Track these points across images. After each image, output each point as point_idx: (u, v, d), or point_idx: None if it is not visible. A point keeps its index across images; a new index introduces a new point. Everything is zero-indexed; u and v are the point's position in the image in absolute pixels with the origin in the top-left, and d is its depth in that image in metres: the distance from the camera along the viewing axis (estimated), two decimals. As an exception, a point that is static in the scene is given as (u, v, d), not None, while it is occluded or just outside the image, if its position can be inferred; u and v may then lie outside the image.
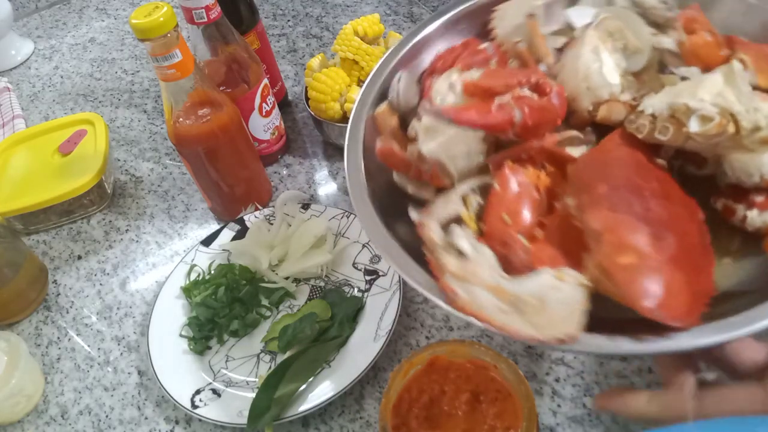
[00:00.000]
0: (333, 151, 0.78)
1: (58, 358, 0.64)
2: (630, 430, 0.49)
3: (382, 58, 0.52)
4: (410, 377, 0.46)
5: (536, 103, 0.37)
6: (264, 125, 0.74)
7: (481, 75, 0.40)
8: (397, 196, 0.44)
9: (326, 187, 0.75)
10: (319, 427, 0.54)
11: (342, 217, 0.67)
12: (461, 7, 0.52)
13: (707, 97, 0.34)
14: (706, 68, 0.40)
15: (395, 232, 0.40)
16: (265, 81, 0.72)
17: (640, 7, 0.44)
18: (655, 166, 0.37)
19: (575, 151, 0.40)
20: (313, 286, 0.64)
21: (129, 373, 0.61)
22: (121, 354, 0.63)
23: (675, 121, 0.35)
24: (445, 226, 0.38)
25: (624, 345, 0.32)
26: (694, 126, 0.34)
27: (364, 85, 0.50)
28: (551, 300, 0.32)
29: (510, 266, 0.35)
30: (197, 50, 0.66)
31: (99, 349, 0.64)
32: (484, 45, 0.46)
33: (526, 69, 0.42)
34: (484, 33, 0.49)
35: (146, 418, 0.57)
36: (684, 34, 0.41)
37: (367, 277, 0.62)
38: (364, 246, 0.64)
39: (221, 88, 0.67)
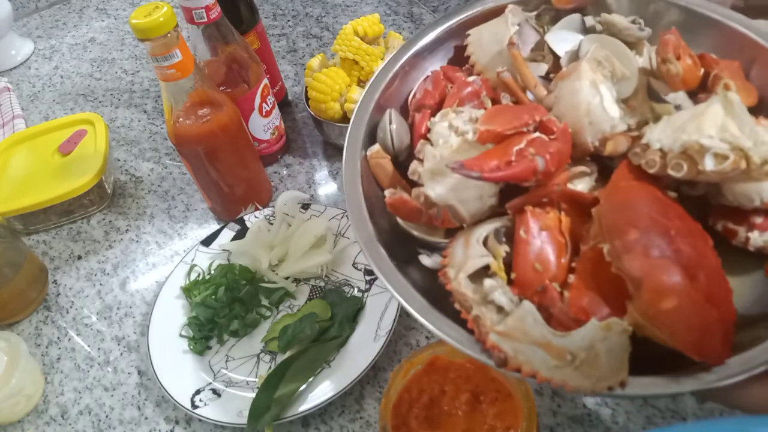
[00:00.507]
0: (333, 151, 0.78)
1: (58, 358, 0.64)
2: (630, 430, 0.49)
3: (382, 65, 0.50)
4: (410, 377, 0.46)
5: (555, 147, 0.37)
6: (264, 125, 0.74)
7: (484, 117, 0.39)
8: (402, 239, 0.43)
9: (326, 187, 0.75)
10: (319, 427, 0.54)
11: (342, 217, 0.67)
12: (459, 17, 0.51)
13: (713, 132, 0.35)
14: (689, 90, 0.42)
15: (411, 280, 0.39)
16: (265, 81, 0.72)
17: (614, 29, 0.44)
18: (671, 200, 0.38)
19: (580, 184, 0.40)
20: (313, 286, 0.64)
21: (129, 373, 0.61)
22: (121, 354, 0.63)
23: (688, 158, 0.36)
24: (473, 278, 0.37)
25: (666, 385, 0.33)
26: (709, 164, 0.35)
27: (354, 122, 0.49)
28: (601, 350, 0.33)
29: (547, 315, 0.35)
30: (197, 50, 0.66)
31: (99, 349, 0.64)
32: (472, 78, 0.46)
33: (527, 107, 0.41)
34: (461, 58, 0.49)
35: (146, 418, 0.57)
36: (657, 56, 0.42)
37: (367, 277, 0.62)
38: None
39: (221, 88, 0.67)
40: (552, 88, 0.42)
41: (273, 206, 0.70)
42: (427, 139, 0.42)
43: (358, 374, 0.53)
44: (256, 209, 0.71)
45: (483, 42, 0.47)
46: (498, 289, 0.36)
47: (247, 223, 0.69)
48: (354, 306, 0.59)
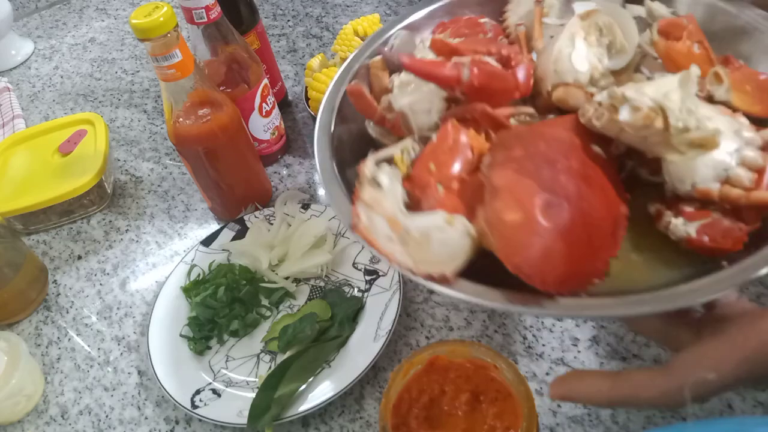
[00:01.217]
0: (333, 151, 0.78)
1: (58, 358, 0.64)
2: (630, 430, 0.49)
3: (364, 43, 0.52)
4: (410, 377, 0.46)
5: (488, 68, 0.38)
6: (264, 125, 0.74)
7: (462, 41, 0.42)
8: (364, 146, 0.45)
9: (326, 187, 0.74)
10: (319, 427, 0.54)
11: (342, 217, 0.67)
12: None
13: (650, 92, 0.34)
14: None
15: (345, 174, 0.43)
16: (265, 81, 0.72)
17: (651, 16, 0.45)
18: (589, 152, 0.37)
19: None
20: (313, 286, 0.64)
21: (129, 373, 0.61)
22: (121, 354, 0.63)
23: (611, 108, 0.35)
24: (379, 165, 0.40)
25: (496, 299, 0.34)
26: (624, 114, 0.34)
27: (345, 64, 0.50)
28: (434, 239, 0.34)
29: (421, 209, 0.37)
30: (197, 50, 0.66)
31: (99, 349, 0.64)
32: (484, 20, 0.47)
33: (504, 45, 0.43)
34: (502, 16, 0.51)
35: (146, 418, 0.57)
36: (657, 35, 0.41)
37: (367, 277, 0.62)
38: (364, 246, 0.64)
39: (221, 88, 0.67)
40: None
41: (273, 206, 0.70)
42: None
43: (358, 374, 0.53)
44: (256, 209, 0.71)
45: (521, 2, 0.50)
46: (385, 172, 0.39)
47: (247, 223, 0.69)
48: (354, 306, 0.59)
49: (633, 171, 0.38)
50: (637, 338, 0.54)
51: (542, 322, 0.56)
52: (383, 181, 0.38)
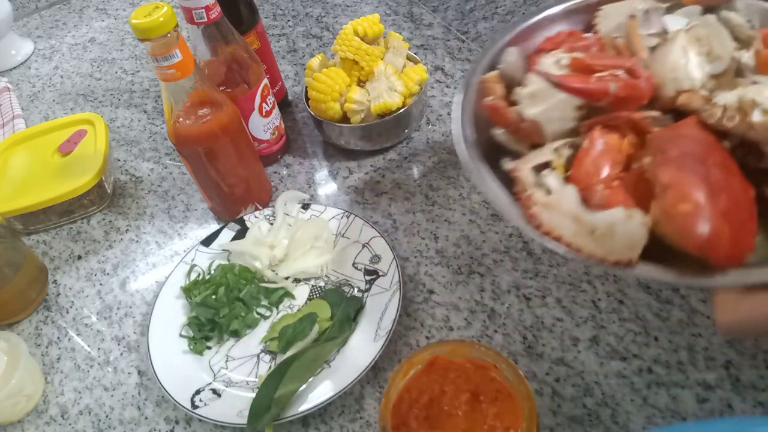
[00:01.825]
0: (333, 151, 0.78)
1: (58, 358, 0.64)
2: (630, 429, 0.49)
3: (475, 59, 0.57)
4: (410, 377, 0.46)
5: (628, 81, 0.46)
6: (264, 125, 0.74)
7: (586, 56, 0.48)
8: (492, 152, 0.50)
9: (326, 187, 0.75)
10: (319, 427, 0.54)
11: (342, 217, 0.67)
12: (573, 2, 0.58)
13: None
14: None
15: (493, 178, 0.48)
16: (265, 81, 0.72)
17: (728, 25, 0.49)
18: (720, 146, 0.44)
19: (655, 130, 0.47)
20: (313, 286, 0.64)
21: (129, 373, 0.61)
22: (121, 354, 0.63)
23: (741, 111, 0.42)
24: (536, 170, 0.45)
25: (670, 276, 0.40)
26: (756, 116, 0.41)
27: (478, 57, 0.57)
28: (618, 231, 0.40)
29: (588, 207, 0.43)
30: (197, 50, 0.66)
31: (99, 349, 0.64)
32: (587, 35, 0.54)
33: (623, 57, 0.49)
34: (588, 29, 0.56)
35: (146, 418, 0.57)
36: (761, 45, 0.47)
37: (367, 277, 0.62)
38: (364, 246, 0.64)
39: (221, 88, 0.67)
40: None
41: (273, 206, 0.70)
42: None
43: (358, 374, 0.53)
44: (256, 209, 0.71)
45: (610, 15, 0.55)
46: (551, 175, 0.44)
47: (247, 223, 0.69)
48: (354, 306, 0.59)
49: (743, 160, 0.44)
50: (637, 338, 0.54)
51: (542, 322, 0.57)
52: (552, 184, 0.44)
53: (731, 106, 0.42)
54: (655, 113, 0.47)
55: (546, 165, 0.46)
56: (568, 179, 0.45)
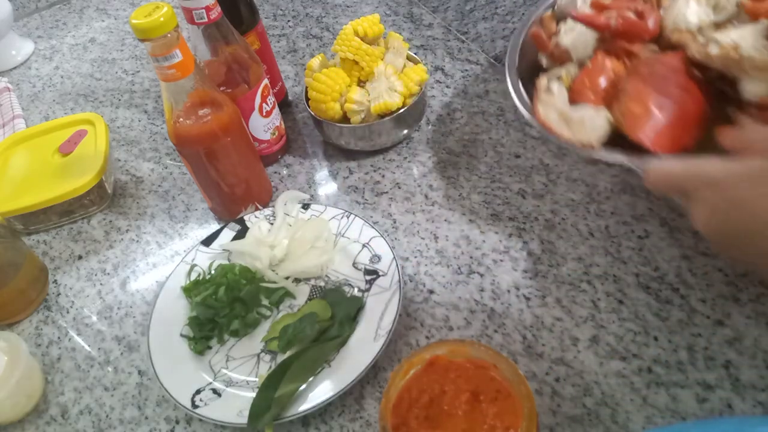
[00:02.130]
0: (333, 151, 0.78)
1: (59, 358, 0.64)
2: (630, 429, 0.49)
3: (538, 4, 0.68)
4: (410, 377, 0.46)
5: (629, 19, 0.58)
6: (264, 125, 0.74)
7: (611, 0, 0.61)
8: (535, 72, 0.64)
9: (326, 187, 0.75)
10: (319, 427, 0.54)
11: (342, 217, 0.67)
12: None
13: (734, 36, 0.53)
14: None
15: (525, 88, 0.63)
16: (265, 81, 0.72)
17: None
18: (690, 74, 0.55)
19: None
20: (313, 286, 0.64)
21: (129, 373, 0.61)
22: (122, 354, 0.63)
23: (706, 45, 0.54)
24: (551, 80, 0.61)
25: (621, 158, 0.53)
26: (713, 50, 0.53)
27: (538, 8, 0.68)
28: (587, 123, 0.55)
29: (573, 106, 0.57)
30: (197, 50, 0.66)
31: (99, 349, 0.64)
32: None
33: (640, 2, 0.60)
34: None
35: (146, 418, 0.57)
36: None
37: (367, 277, 0.62)
38: (364, 246, 0.64)
39: (221, 89, 0.67)
40: None
41: (273, 206, 0.70)
42: None
43: (358, 374, 0.53)
44: (256, 209, 0.71)
45: None
46: (555, 82, 0.60)
47: (247, 223, 0.69)
48: (354, 306, 0.59)
49: (721, 88, 0.54)
50: (637, 338, 0.54)
51: (542, 322, 0.57)
52: (554, 88, 0.59)
53: (701, 41, 0.55)
54: (653, 47, 0.59)
55: (558, 78, 0.61)
56: (569, 88, 0.60)
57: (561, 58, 0.64)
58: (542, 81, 0.61)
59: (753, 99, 0.52)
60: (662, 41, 0.59)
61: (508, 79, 0.65)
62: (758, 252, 0.44)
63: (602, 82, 0.58)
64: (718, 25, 0.57)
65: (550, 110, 0.58)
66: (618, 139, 0.55)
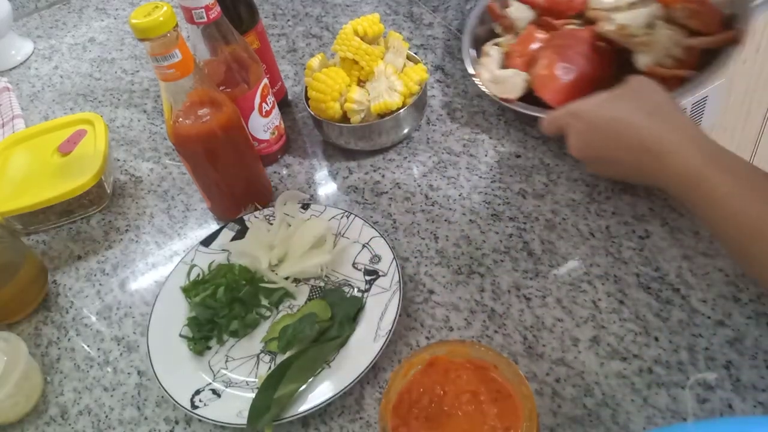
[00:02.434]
0: (333, 151, 0.78)
1: (58, 358, 0.64)
2: (630, 430, 0.49)
3: None
4: (410, 377, 0.46)
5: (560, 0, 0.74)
6: (264, 125, 0.73)
7: None
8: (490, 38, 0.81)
9: (326, 187, 0.75)
10: (319, 427, 0.54)
11: (342, 217, 0.67)
12: None
13: (629, 17, 0.68)
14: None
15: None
16: (265, 81, 0.71)
17: None
18: (595, 46, 0.70)
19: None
20: (313, 286, 0.64)
21: (129, 374, 0.61)
22: (121, 354, 0.63)
23: (606, 23, 0.69)
24: (494, 46, 0.78)
25: (535, 111, 0.68)
26: (607, 26, 0.68)
27: None
28: (509, 82, 0.71)
29: (509, 67, 0.74)
30: (197, 50, 0.66)
31: (99, 349, 0.64)
32: None
33: None
34: None
35: (146, 419, 0.57)
36: None
37: (367, 277, 0.62)
38: (364, 246, 0.64)
39: (221, 88, 0.67)
40: None
41: (273, 206, 0.70)
42: None
43: (358, 374, 0.53)
44: (256, 209, 0.71)
45: None
46: (492, 47, 0.77)
47: (247, 223, 0.69)
48: (354, 306, 0.59)
49: (626, 57, 0.68)
50: (638, 338, 0.54)
51: (542, 323, 0.56)
52: (491, 53, 0.76)
53: (606, 19, 0.69)
54: (576, 21, 0.74)
55: (498, 45, 0.77)
56: (506, 53, 0.76)
57: (509, 28, 0.79)
58: (485, 47, 0.77)
59: (642, 68, 0.66)
60: (585, 18, 0.74)
61: (463, 44, 0.79)
62: (615, 166, 0.55)
63: (528, 50, 0.73)
64: (632, 5, 0.70)
65: (484, 71, 0.73)
66: (534, 97, 0.70)
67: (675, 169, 0.49)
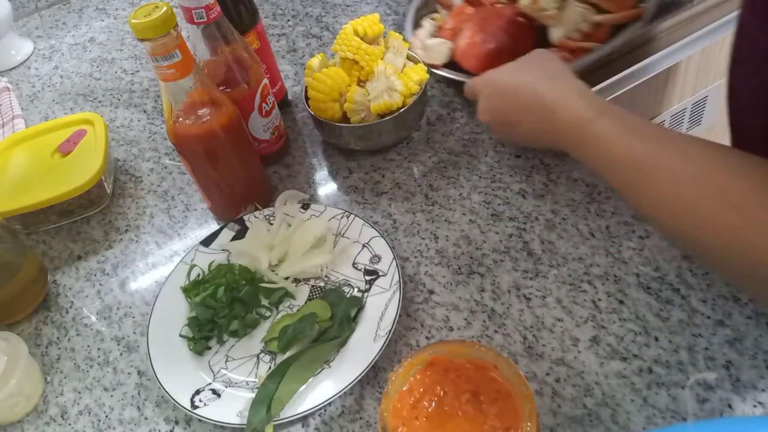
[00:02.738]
0: (333, 151, 0.78)
1: (58, 358, 0.64)
2: (630, 430, 0.49)
3: None
4: (410, 377, 0.46)
5: None
6: (264, 125, 0.73)
7: None
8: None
9: (326, 187, 0.75)
10: (319, 427, 0.54)
11: (342, 217, 0.67)
12: None
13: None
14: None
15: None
16: (265, 81, 0.71)
17: None
18: (515, 21, 0.77)
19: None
20: (313, 286, 0.64)
21: (129, 374, 0.61)
22: (121, 354, 0.63)
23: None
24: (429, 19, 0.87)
25: (458, 77, 0.77)
26: (524, 2, 0.76)
27: None
28: (435, 50, 0.79)
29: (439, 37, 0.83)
30: (197, 50, 0.66)
31: (99, 349, 0.64)
32: None
33: None
34: None
35: (146, 419, 0.57)
36: None
37: (367, 277, 0.62)
38: (364, 246, 0.64)
39: (221, 88, 0.67)
40: None
41: (273, 206, 0.70)
42: None
43: (358, 374, 0.53)
44: (256, 209, 0.71)
45: None
46: (428, 21, 0.86)
47: (247, 223, 0.69)
48: (354, 306, 0.59)
49: (543, 31, 0.76)
50: (638, 338, 0.54)
51: (542, 323, 0.56)
52: (425, 25, 0.85)
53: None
54: (504, 1, 0.81)
55: (433, 18, 0.86)
56: (439, 26, 0.84)
57: (447, 6, 0.87)
58: (423, 20, 0.86)
59: (555, 41, 0.75)
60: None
61: (408, 17, 0.88)
62: (518, 127, 0.58)
63: (455, 23, 0.81)
64: None
65: (416, 40, 0.82)
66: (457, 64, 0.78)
67: (568, 118, 0.53)
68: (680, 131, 1.07)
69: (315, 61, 0.76)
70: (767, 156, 0.43)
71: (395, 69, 0.72)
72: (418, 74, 0.72)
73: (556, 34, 0.74)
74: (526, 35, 0.76)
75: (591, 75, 0.84)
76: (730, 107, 0.57)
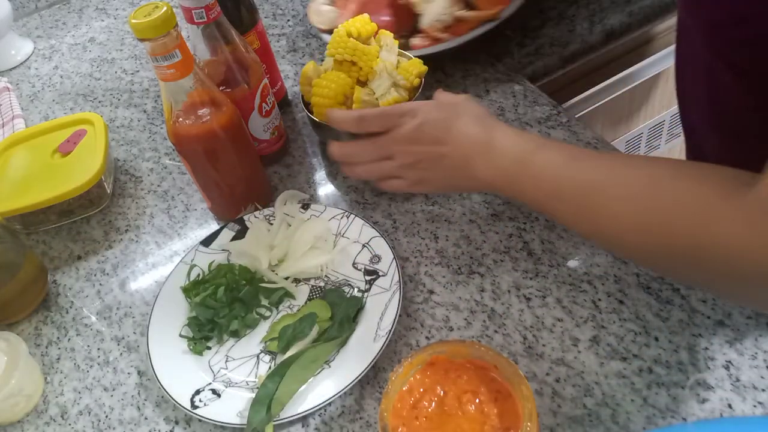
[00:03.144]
0: (333, 151, 0.78)
1: (58, 358, 0.64)
2: (630, 430, 0.49)
3: None
4: (410, 377, 0.46)
5: None
6: (264, 125, 0.73)
7: None
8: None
9: (326, 187, 0.75)
10: (319, 427, 0.54)
11: (342, 217, 0.67)
12: None
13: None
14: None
15: None
16: (265, 81, 0.71)
17: None
18: (395, 4, 0.83)
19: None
20: (313, 286, 0.64)
21: (129, 374, 0.61)
22: (121, 354, 0.63)
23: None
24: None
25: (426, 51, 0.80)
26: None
27: None
28: (323, 15, 0.87)
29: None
30: (197, 50, 0.66)
31: (99, 349, 0.64)
32: None
33: None
34: None
35: (146, 419, 0.57)
36: None
37: (367, 277, 0.62)
38: (364, 246, 0.64)
39: (221, 88, 0.67)
40: None
41: (273, 206, 0.70)
42: None
43: (358, 374, 0.53)
44: (256, 209, 0.71)
45: None
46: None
47: (247, 223, 0.69)
48: (354, 306, 0.59)
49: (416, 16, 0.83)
50: (638, 338, 0.54)
51: (542, 322, 0.56)
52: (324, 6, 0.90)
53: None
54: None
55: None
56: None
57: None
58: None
59: (424, 27, 0.81)
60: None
61: None
62: (437, 165, 0.57)
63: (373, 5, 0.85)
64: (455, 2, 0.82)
65: (311, 7, 0.89)
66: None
67: (509, 152, 0.53)
68: (659, 142, 1.10)
69: (309, 69, 0.75)
70: (720, 163, 0.44)
71: (394, 66, 0.72)
72: (416, 68, 0.72)
73: (424, 21, 0.81)
74: (406, 16, 0.83)
75: (575, 83, 0.90)
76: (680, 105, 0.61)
